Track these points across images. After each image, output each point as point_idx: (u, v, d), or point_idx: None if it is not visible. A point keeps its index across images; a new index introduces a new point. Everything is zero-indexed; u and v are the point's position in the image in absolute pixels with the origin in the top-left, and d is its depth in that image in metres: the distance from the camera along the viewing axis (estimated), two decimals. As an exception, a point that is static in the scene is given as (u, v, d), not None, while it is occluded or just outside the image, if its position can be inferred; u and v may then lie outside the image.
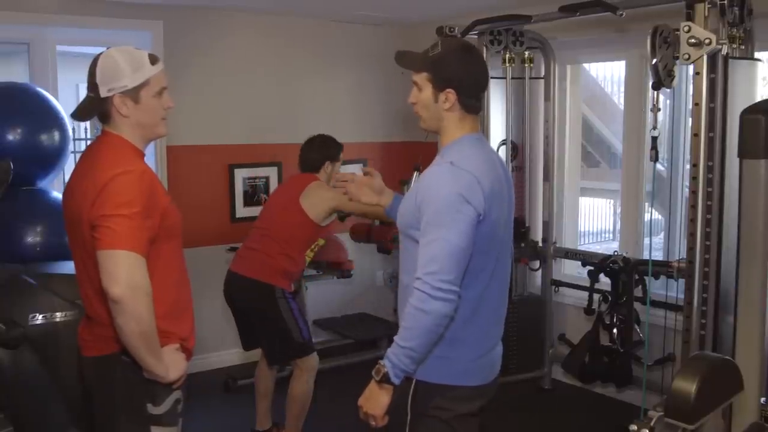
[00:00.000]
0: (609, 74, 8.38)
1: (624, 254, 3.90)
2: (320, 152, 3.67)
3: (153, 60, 2.09)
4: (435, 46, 2.05)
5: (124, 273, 1.88)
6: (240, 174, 4.97)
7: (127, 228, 1.90)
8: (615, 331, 3.82)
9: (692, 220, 3.04)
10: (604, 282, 3.94)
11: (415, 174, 3.57)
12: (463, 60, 2.05)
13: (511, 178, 2.20)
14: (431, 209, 1.93)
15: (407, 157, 5.47)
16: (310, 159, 3.68)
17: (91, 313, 2.11)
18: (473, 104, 2.07)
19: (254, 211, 4.84)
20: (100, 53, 2.07)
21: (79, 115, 2.15)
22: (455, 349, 2.00)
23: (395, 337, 1.93)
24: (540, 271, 4.61)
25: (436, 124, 2.08)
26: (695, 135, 3.01)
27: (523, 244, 4.44)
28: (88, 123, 2.16)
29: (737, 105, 2.81)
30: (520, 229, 4.43)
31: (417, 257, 1.97)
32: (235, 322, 3.72)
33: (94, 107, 2.08)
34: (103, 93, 2.03)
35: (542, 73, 4.47)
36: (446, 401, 2.01)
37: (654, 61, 2.98)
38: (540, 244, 4.51)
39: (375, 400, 1.96)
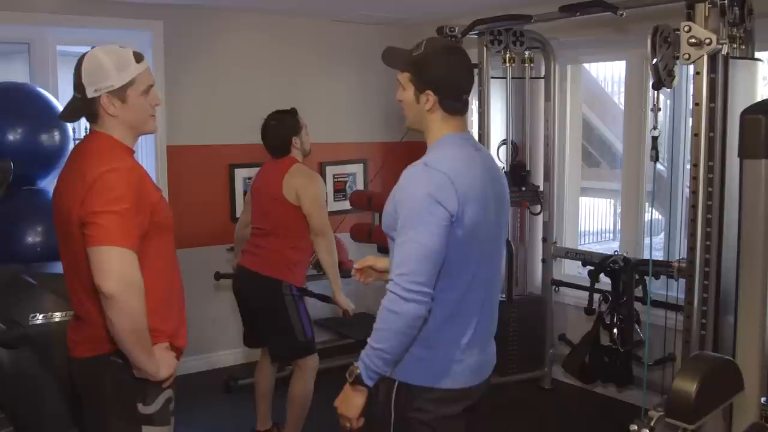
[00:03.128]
0: (609, 74, 8.37)
1: (624, 254, 3.90)
2: (280, 135, 3.51)
3: (138, 58, 2.07)
4: (419, 46, 2.02)
5: (117, 268, 1.88)
6: (240, 174, 4.97)
7: (117, 224, 1.90)
8: (615, 331, 3.82)
9: (693, 220, 3.04)
10: (605, 282, 3.94)
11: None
12: (445, 61, 2.01)
13: (502, 178, 2.15)
14: (404, 211, 1.92)
15: (407, 157, 5.46)
16: (276, 146, 3.53)
17: (82, 313, 2.11)
18: (454, 106, 2.03)
19: (254, 211, 4.85)
20: (85, 53, 2.06)
21: (66, 116, 2.15)
22: (434, 350, 1.98)
23: (369, 339, 1.92)
24: (540, 271, 4.62)
25: (419, 124, 2.06)
26: (695, 135, 3.01)
27: (523, 188, 4.43)
28: (88, 123, 2.15)
29: (737, 105, 2.81)
30: (521, 173, 4.44)
31: None
32: (241, 317, 3.70)
33: (81, 108, 2.08)
34: (90, 93, 2.02)
35: (542, 73, 4.47)
36: (427, 403, 1.99)
37: (654, 61, 2.98)
38: (540, 188, 4.49)
39: (349, 402, 1.96)
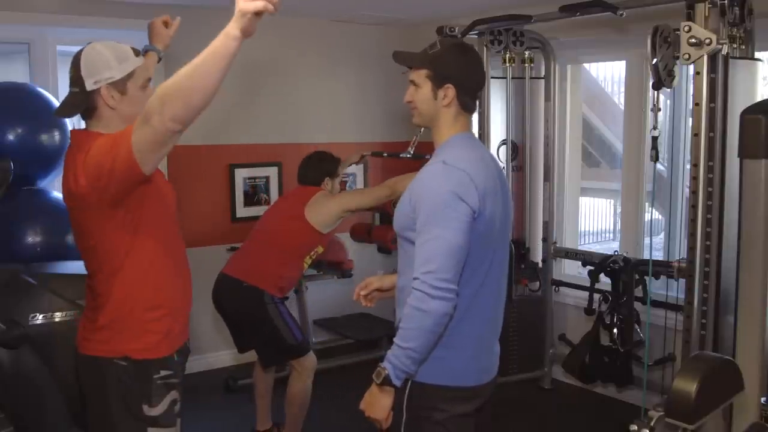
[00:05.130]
0: (609, 74, 8.37)
1: (624, 254, 3.90)
2: (318, 169, 3.69)
3: (136, 52, 2.09)
4: (434, 45, 2.07)
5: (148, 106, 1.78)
6: (240, 174, 4.97)
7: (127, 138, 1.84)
8: (615, 331, 3.82)
9: (693, 220, 3.04)
10: (605, 282, 3.94)
11: (414, 138, 3.58)
12: (462, 58, 2.07)
13: (505, 177, 2.20)
14: (426, 209, 1.93)
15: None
16: (309, 177, 3.68)
17: (90, 305, 2.13)
18: (469, 103, 2.09)
19: (254, 211, 4.85)
20: (81, 48, 2.06)
21: (63, 111, 2.13)
22: (450, 348, 1.99)
23: (395, 339, 1.93)
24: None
25: (430, 120, 2.10)
26: (695, 135, 3.01)
27: (523, 266, 4.43)
28: (83, 120, 2.15)
29: (737, 105, 2.81)
30: (521, 251, 4.42)
31: (414, 258, 1.97)
32: (226, 326, 3.71)
33: (79, 102, 2.06)
34: (89, 86, 2.01)
35: (542, 73, 4.47)
36: (441, 402, 2.00)
37: (654, 61, 2.98)
38: (540, 266, 4.48)
39: (377, 404, 1.96)
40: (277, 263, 3.51)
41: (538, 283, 4.50)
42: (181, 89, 1.74)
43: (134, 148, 1.82)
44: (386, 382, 1.91)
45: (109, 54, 2.03)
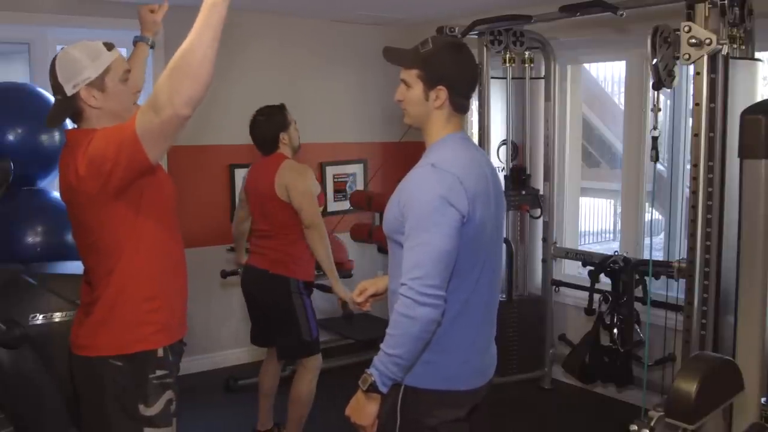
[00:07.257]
0: (609, 74, 8.38)
1: (624, 254, 3.90)
2: (269, 131, 3.50)
3: (109, 47, 2.08)
4: (426, 43, 2.01)
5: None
6: (240, 174, 4.95)
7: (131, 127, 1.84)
8: (615, 331, 3.82)
9: (693, 220, 3.04)
10: (605, 282, 3.94)
11: None
12: (455, 58, 2.00)
13: (499, 177, 2.16)
14: (414, 213, 1.89)
15: (407, 157, 5.48)
16: (264, 142, 3.53)
17: (87, 299, 2.13)
18: (462, 103, 2.03)
19: (254, 211, 4.85)
20: (55, 55, 2.06)
21: (51, 121, 2.13)
22: (442, 353, 1.96)
23: (381, 345, 1.89)
24: (540, 271, 4.62)
25: (421, 122, 2.04)
26: (696, 135, 3.01)
27: (524, 192, 4.44)
28: (75, 124, 2.15)
29: (738, 105, 2.81)
30: (521, 177, 4.44)
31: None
32: (249, 316, 3.69)
33: (64, 109, 2.07)
34: (69, 91, 2.02)
35: (542, 73, 4.47)
36: (434, 407, 1.98)
37: (654, 61, 2.98)
38: (540, 192, 4.49)
39: (363, 410, 1.93)
40: (287, 246, 3.47)
41: (539, 210, 4.49)
42: (187, 71, 1.78)
43: (142, 139, 1.82)
44: (372, 388, 1.89)
45: (81, 55, 2.02)
